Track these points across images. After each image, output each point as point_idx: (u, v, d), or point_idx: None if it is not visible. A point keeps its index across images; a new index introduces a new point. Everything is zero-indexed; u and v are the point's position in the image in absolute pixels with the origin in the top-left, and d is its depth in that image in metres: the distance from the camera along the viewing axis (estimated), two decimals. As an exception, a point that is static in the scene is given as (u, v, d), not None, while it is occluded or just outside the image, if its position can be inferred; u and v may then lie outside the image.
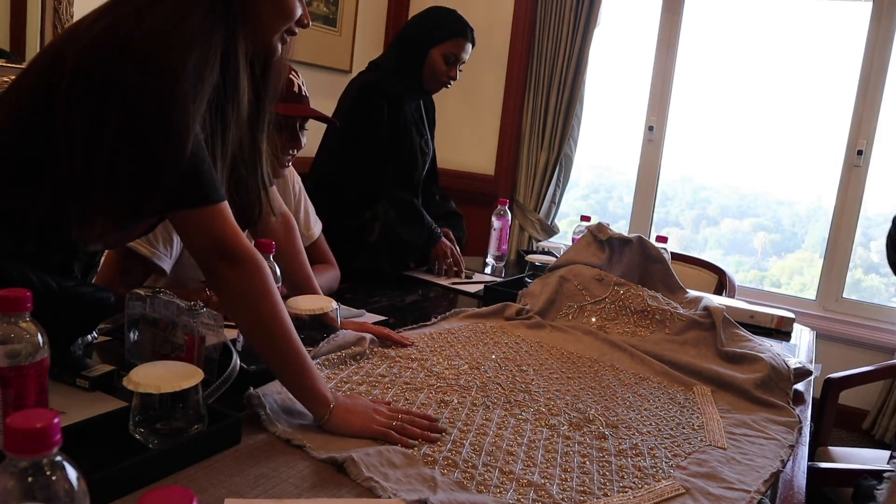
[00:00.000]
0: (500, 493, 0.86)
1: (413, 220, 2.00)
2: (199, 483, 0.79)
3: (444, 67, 1.96)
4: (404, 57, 1.98)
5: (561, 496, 0.87)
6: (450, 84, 2.02)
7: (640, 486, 0.92)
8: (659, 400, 1.24)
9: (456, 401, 1.12)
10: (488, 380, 1.23)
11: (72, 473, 0.48)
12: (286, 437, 0.92)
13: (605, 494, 0.89)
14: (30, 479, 0.46)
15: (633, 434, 1.08)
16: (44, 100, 0.92)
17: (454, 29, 1.95)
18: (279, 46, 1.08)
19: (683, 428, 1.13)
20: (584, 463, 0.97)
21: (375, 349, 1.29)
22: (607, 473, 0.94)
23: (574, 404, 1.17)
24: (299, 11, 1.06)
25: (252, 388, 1.01)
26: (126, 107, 0.86)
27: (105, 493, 0.73)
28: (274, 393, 1.02)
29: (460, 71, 2.02)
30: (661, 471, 0.97)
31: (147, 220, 1.02)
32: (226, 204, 0.97)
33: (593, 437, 1.06)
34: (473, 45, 2.00)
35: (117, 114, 0.86)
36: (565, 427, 1.08)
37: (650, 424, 1.13)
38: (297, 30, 1.09)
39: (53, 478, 0.47)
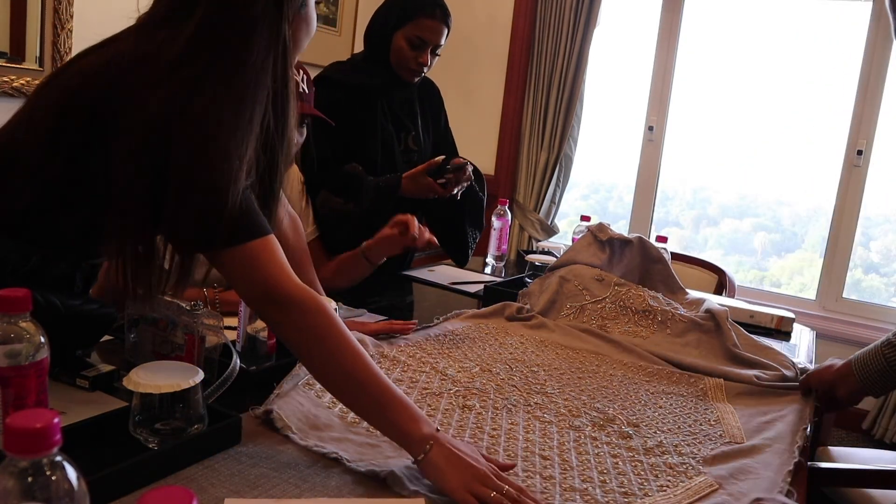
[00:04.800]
0: (546, 498, 0.85)
1: (349, 191, 1.74)
2: (199, 483, 0.79)
3: (410, 53, 1.78)
4: (371, 48, 1.84)
5: (605, 499, 0.86)
6: (424, 71, 1.83)
7: (675, 484, 0.91)
8: (671, 397, 1.23)
9: (478, 405, 1.10)
10: (503, 382, 1.21)
11: (72, 473, 0.48)
12: (321, 452, 0.88)
13: (646, 494, 0.88)
14: (30, 479, 0.46)
15: (656, 432, 1.07)
16: (87, 135, 0.90)
17: (414, 9, 1.77)
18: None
19: (701, 424, 1.13)
20: (617, 464, 0.96)
21: (378, 351, 1.28)
22: (641, 473, 0.94)
23: (592, 404, 1.16)
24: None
25: (275, 409, 0.95)
26: (178, 165, 0.84)
27: (105, 493, 0.73)
28: (295, 403, 0.99)
29: (437, 56, 1.83)
30: (690, 467, 0.96)
31: None
32: (271, 238, 0.89)
33: (618, 436, 1.05)
34: (448, 26, 1.80)
35: (175, 174, 0.84)
36: (589, 428, 1.07)
37: (669, 422, 1.12)
38: None
39: (53, 478, 0.47)
